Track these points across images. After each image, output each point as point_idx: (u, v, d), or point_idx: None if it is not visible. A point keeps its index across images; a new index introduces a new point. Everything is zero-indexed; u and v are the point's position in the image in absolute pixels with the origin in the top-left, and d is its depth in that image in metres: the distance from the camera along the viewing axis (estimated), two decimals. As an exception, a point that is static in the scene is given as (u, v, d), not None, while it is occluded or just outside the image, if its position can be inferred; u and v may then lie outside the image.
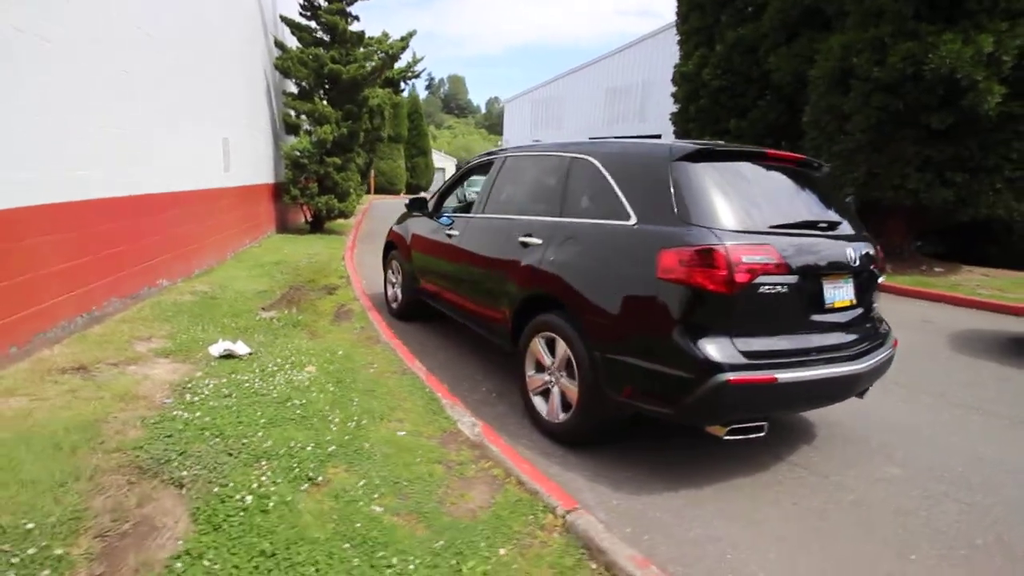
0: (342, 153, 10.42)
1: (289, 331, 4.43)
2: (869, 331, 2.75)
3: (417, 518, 2.10)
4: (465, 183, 4.75)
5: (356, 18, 10.76)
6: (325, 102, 10.09)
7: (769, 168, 2.75)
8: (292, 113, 10.45)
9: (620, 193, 2.69)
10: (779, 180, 2.72)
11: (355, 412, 2.94)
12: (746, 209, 2.46)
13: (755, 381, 2.22)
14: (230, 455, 2.37)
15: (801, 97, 9.67)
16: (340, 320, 4.96)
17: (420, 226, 4.78)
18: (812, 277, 2.45)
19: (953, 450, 3.02)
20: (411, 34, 10.56)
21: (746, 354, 2.27)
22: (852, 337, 2.62)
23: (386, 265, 5.57)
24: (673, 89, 12.37)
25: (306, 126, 10.31)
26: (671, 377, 2.29)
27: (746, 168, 2.66)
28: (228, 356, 3.68)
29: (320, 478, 2.28)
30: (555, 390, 2.94)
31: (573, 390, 2.75)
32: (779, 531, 2.24)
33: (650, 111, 21.11)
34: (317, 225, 11.15)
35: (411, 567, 1.82)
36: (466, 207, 4.84)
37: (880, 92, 7.65)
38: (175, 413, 2.72)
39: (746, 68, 10.25)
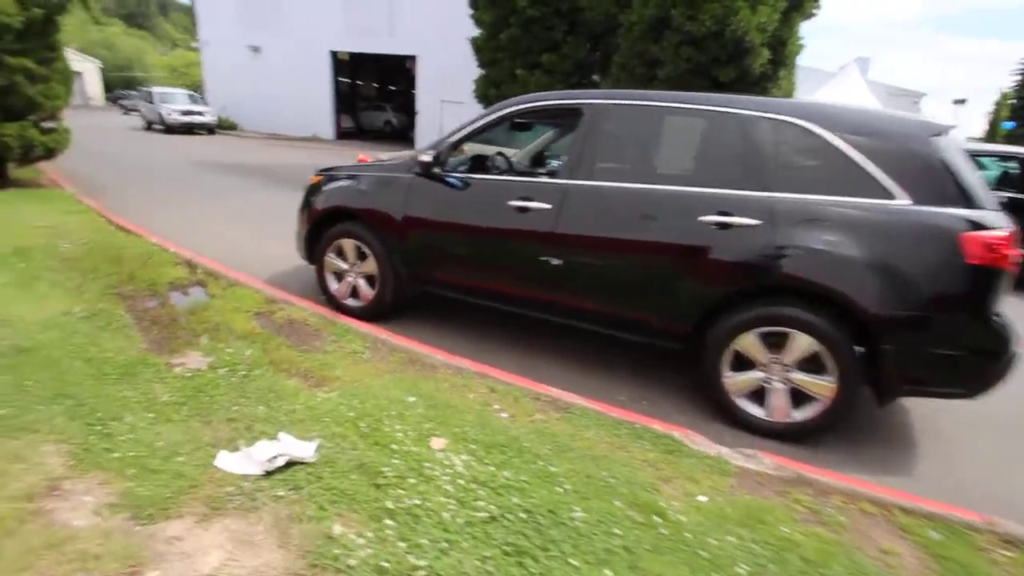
0: (35, 49, 6.28)
1: (272, 384, 2.68)
2: None
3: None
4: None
5: None
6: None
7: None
8: None
9: (874, 169, 2.44)
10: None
11: (629, 495, 2.06)
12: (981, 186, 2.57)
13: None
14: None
15: (608, 38, 10.41)
16: (307, 343, 3.26)
17: (425, 196, 3.40)
18: None
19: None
20: None
21: None
22: None
23: (323, 250, 3.83)
24: (467, 8, 11.57)
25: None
26: (978, 358, 2.36)
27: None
28: (285, 466, 2.02)
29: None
30: (779, 388, 2.67)
31: (823, 386, 2.55)
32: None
33: (400, 26, 19.30)
34: (-7, 174, 6.72)
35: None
36: (484, 165, 3.67)
37: (688, 45, 8.85)
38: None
39: (557, 1, 10.31)
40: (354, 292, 3.82)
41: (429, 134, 19.37)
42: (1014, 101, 43.39)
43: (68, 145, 7.13)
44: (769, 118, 2.64)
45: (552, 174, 3.15)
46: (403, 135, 23.72)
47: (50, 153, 6.81)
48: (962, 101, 40.61)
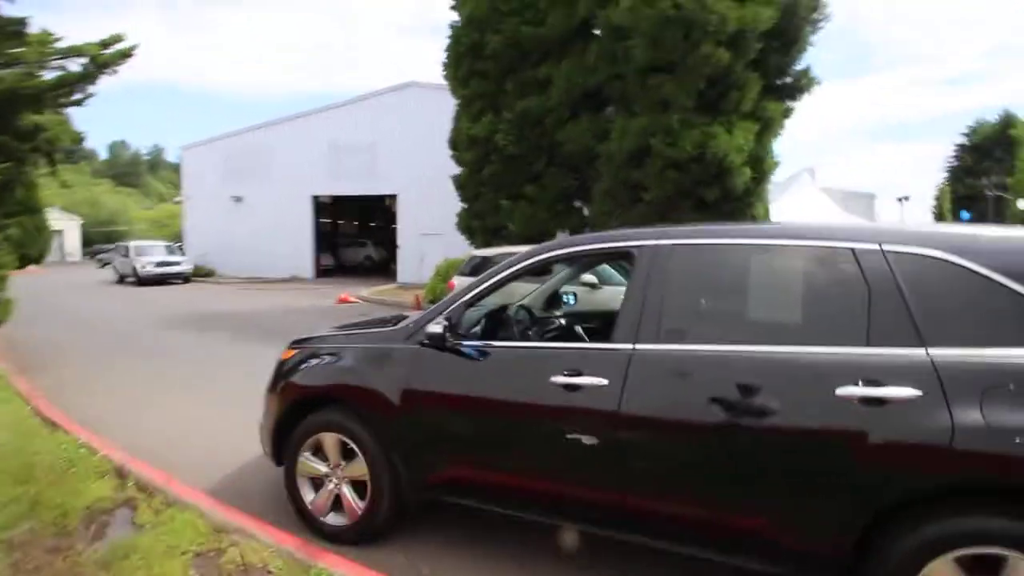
0: (-20, 220, 5.69)
1: None
2: None
3: None
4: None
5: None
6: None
7: None
8: None
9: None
10: None
11: None
12: None
13: None
14: None
15: (588, 167, 10.60)
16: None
17: (434, 372, 2.59)
18: None
19: None
20: (117, 38, 6.67)
21: None
22: None
23: (295, 448, 2.88)
24: (443, 150, 11.91)
25: None
26: None
27: None
28: None
29: None
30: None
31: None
32: None
33: (382, 169, 20.09)
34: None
35: None
36: (505, 321, 2.94)
37: (672, 169, 8.93)
38: None
39: (536, 137, 10.62)
40: (336, 503, 2.81)
41: (410, 265, 19.28)
42: (954, 195, 47.33)
43: (8, 317, 6.28)
44: (896, 251, 1.99)
45: (603, 332, 2.40)
46: (383, 268, 23.75)
47: (-17, 329, 5.92)
48: (906, 198, 43.94)
